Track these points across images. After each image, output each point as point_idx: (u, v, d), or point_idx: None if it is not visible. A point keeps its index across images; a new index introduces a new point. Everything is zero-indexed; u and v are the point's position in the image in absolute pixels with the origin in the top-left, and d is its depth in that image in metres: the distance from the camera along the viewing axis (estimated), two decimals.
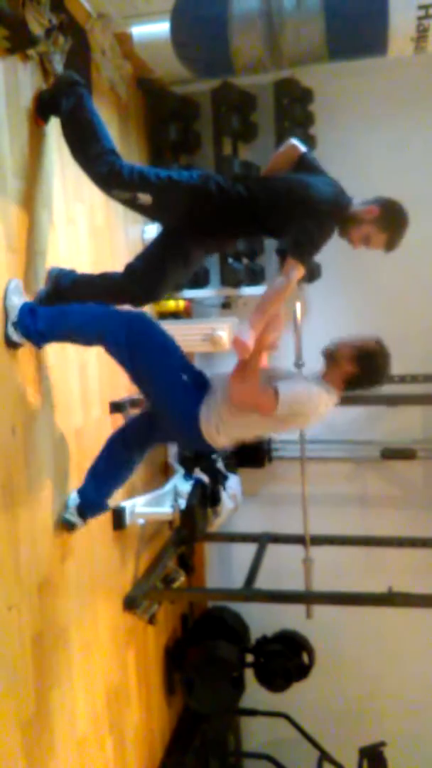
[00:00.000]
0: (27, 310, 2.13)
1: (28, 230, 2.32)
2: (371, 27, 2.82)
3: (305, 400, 2.10)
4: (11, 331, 2.11)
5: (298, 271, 2.15)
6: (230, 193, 2.25)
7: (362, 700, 4.21)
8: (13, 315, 2.11)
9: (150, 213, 2.41)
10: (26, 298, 2.20)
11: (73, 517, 2.44)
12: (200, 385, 2.26)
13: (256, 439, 2.31)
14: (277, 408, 2.05)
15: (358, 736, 3.73)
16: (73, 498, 2.47)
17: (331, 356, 2.20)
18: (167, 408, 2.27)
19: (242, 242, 3.63)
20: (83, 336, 2.26)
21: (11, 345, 2.13)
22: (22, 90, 2.30)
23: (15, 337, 2.12)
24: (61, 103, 2.32)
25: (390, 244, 2.24)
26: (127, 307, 2.41)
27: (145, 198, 2.24)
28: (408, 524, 3.74)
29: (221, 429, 2.16)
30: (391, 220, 2.20)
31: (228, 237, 2.56)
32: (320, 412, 2.15)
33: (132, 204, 2.31)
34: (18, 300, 2.14)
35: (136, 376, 2.26)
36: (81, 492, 2.47)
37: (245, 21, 2.85)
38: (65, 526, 2.44)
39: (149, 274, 2.40)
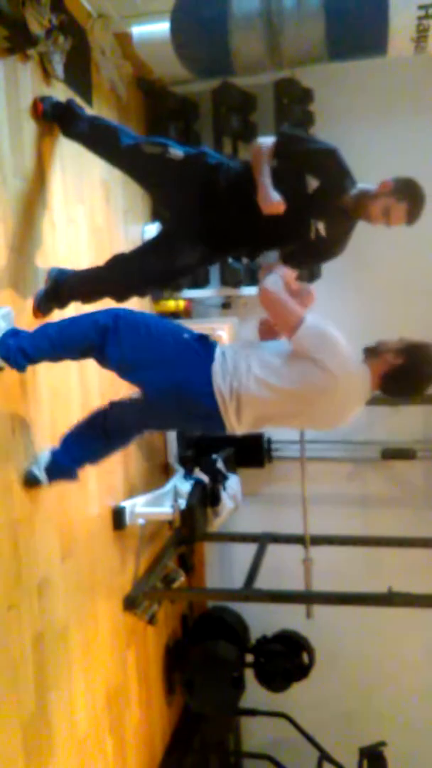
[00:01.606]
0: (10, 332, 2.08)
1: (28, 230, 2.32)
2: (371, 27, 2.82)
3: (333, 342, 1.90)
4: None
5: (267, 146, 2.18)
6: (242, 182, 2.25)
7: (362, 700, 4.21)
8: None
9: (169, 175, 2.31)
10: (14, 327, 2.14)
11: (38, 471, 2.23)
12: (206, 345, 2.07)
13: (273, 422, 2.07)
14: (301, 328, 1.87)
15: (358, 736, 3.73)
16: (45, 455, 2.28)
17: (373, 350, 2.02)
18: (172, 378, 2.00)
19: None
20: (69, 344, 2.13)
21: None
22: (22, 90, 2.30)
23: None
24: (77, 126, 2.42)
25: (411, 214, 2.18)
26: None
27: (175, 153, 2.25)
28: (408, 524, 3.74)
29: (241, 390, 1.92)
30: (407, 189, 2.19)
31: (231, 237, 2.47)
32: (349, 380, 1.91)
33: (158, 158, 2.28)
34: (5, 325, 2.09)
35: (133, 360, 2.05)
36: (54, 453, 2.27)
37: (245, 21, 2.86)
38: (28, 479, 2.22)
39: (130, 261, 2.43)
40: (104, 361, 2.10)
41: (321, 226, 2.22)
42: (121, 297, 2.50)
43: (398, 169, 3.72)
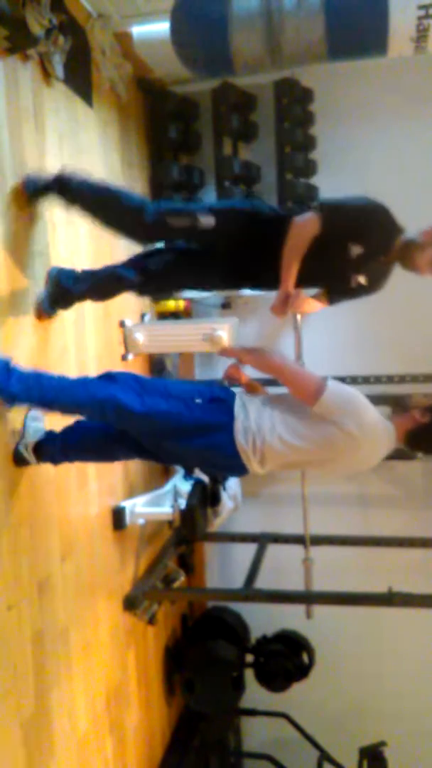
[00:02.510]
0: (3, 366, 2.01)
1: (28, 230, 2.32)
2: (371, 27, 2.82)
3: (355, 406, 1.89)
4: None
5: (314, 221, 2.08)
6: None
7: (362, 700, 4.21)
8: None
9: (204, 238, 2.27)
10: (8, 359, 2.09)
11: (26, 451, 2.17)
12: (222, 404, 2.02)
13: (297, 468, 2.16)
14: (322, 397, 1.85)
15: (358, 736, 3.73)
16: (34, 432, 2.22)
17: (401, 404, 2.05)
18: (192, 444, 1.98)
19: None
20: (62, 403, 2.05)
21: None
22: (22, 90, 2.30)
23: None
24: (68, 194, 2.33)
25: None
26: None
27: (207, 221, 2.18)
28: (408, 524, 3.75)
29: (265, 447, 1.92)
30: None
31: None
32: (372, 437, 1.91)
33: (189, 230, 2.22)
34: None
35: (143, 428, 2.03)
36: (50, 440, 2.21)
37: (245, 21, 2.85)
38: (16, 457, 2.17)
39: (162, 271, 2.38)
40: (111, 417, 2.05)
41: (362, 278, 2.21)
42: (138, 294, 2.52)
43: (398, 169, 3.75)
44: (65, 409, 2.07)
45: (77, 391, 2.04)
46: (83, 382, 2.09)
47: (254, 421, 1.94)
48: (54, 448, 2.20)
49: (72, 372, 2.66)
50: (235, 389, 2.09)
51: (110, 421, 2.04)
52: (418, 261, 2.11)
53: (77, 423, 2.24)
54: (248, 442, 1.92)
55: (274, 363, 1.99)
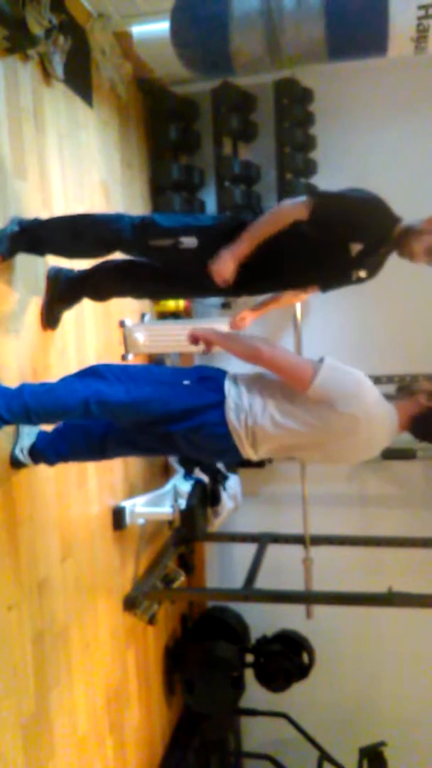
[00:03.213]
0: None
1: None
2: (371, 27, 2.82)
3: (353, 387, 1.78)
4: None
5: (302, 205, 1.98)
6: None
7: (362, 700, 4.21)
8: None
9: (188, 258, 2.13)
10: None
11: (21, 454, 2.16)
12: (212, 383, 1.94)
13: (291, 453, 1.96)
14: (315, 382, 1.75)
15: (358, 736, 3.73)
16: (28, 436, 2.18)
17: (407, 389, 1.94)
18: (182, 426, 1.90)
19: None
20: (47, 409, 1.95)
21: None
22: (22, 90, 2.30)
23: None
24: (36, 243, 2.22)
25: None
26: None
27: (189, 242, 2.09)
28: (408, 524, 3.74)
29: (257, 427, 1.83)
30: None
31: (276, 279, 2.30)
32: (372, 419, 1.80)
33: (170, 251, 2.12)
34: None
35: (131, 418, 1.94)
36: (42, 441, 2.17)
37: (245, 21, 2.85)
38: (12, 461, 2.16)
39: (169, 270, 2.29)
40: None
41: (363, 273, 2.17)
42: (138, 297, 2.49)
43: (398, 169, 3.75)
44: (51, 414, 1.97)
45: (59, 392, 1.95)
46: (64, 382, 2.00)
47: (246, 399, 1.85)
48: (47, 450, 2.17)
49: (72, 370, 2.65)
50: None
51: (98, 417, 1.94)
52: (414, 248, 2.05)
53: (65, 423, 2.20)
54: (240, 422, 1.83)
55: (252, 348, 1.85)
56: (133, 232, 2.16)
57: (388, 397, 1.92)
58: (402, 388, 1.98)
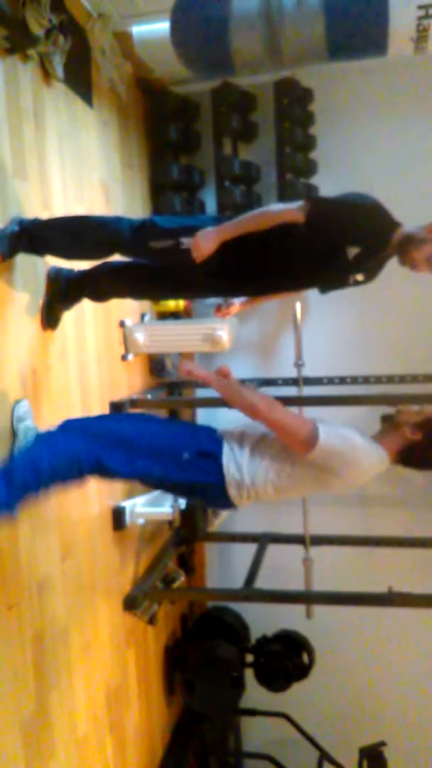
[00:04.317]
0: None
1: None
2: (371, 27, 2.82)
3: (351, 451, 1.80)
4: None
5: (298, 209, 1.97)
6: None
7: (362, 700, 4.21)
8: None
9: (188, 258, 2.08)
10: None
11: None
12: (210, 456, 1.91)
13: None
14: (317, 447, 1.76)
15: (358, 736, 3.73)
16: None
17: (391, 420, 1.95)
18: (183, 486, 1.97)
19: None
20: (35, 476, 1.79)
21: None
22: (22, 90, 2.30)
23: None
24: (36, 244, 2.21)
25: None
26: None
27: (189, 242, 2.06)
28: (408, 524, 3.74)
29: (259, 492, 1.89)
30: None
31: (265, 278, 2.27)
32: (368, 471, 1.86)
33: (171, 251, 2.11)
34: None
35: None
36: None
37: (245, 21, 2.85)
38: None
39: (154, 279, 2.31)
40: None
41: (360, 276, 2.17)
42: (138, 298, 2.47)
43: (398, 169, 3.74)
44: (42, 481, 1.80)
45: (43, 453, 1.81)
46: (49, 444, 1.85)
47: (247, 473, 1.88)
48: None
49: (72, 370, 2.66)
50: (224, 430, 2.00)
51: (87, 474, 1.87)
52: (414, 256, 2.03)
53: (62, 426, 2.19)
54: (241, 494, 1.91)
55: (250, 405, 1.84)
56: (132, 233, 2.16)
57: (375, 433, 1.95)
58: (386, 418, 1.98)
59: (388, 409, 2.04)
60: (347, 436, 1.82)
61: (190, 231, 2.09)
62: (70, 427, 1.91)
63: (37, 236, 2.20)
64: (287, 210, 2.01)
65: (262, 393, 1.93)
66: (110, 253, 2.29)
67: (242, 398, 1.88)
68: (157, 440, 1.91)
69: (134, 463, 1.86)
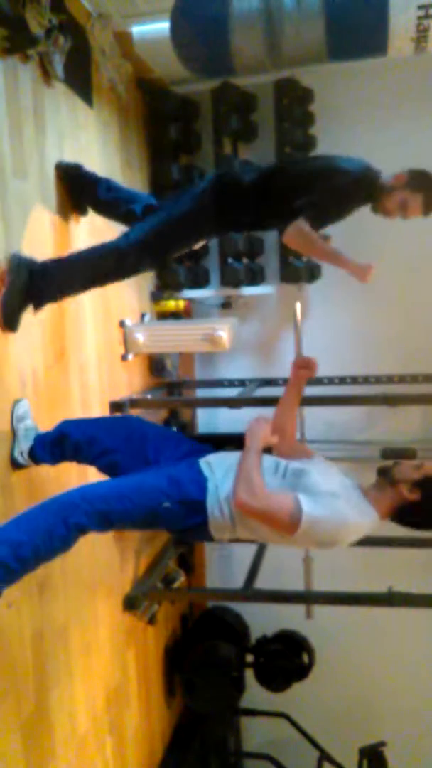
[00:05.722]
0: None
1: (28, 230, 2.31)
2: (371, 27, 2.82)
3: (333, 530, 1.71)
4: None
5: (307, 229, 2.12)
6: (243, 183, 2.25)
7: (362, 700, 4.21)
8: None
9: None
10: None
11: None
12: (193, 504, 1.84)
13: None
14: (297, 531, 1.67)
15: (358, 736, 3.73)
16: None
17: (387, 474, 1.87)
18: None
19: (242, 242, 3.63)
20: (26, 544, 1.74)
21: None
22: (22, 90, 2.30)
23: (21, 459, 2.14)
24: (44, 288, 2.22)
25: (428, 205, 2.21)
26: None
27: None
28: None
29: (241, 533, 1.85)
30: (421, 180, 2.21)
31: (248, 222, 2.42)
32: (350, 540, 1.79)
33: (172, 243, 2.33)
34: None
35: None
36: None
37: (245, 21, 2.86)
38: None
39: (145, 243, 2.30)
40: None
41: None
42: (123, 277, 2.43)
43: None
44: (35, 549, 1.74)
45: (22, 537, 1.74)
46: (36, 515, 1.81)
47: (229, 517, 1.82)
48: (46, 456, 2.19)
49: (72, 370, 2.66)
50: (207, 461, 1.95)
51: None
52: (386, 204, 2.21)
53: (60, 427, 2.22)
54: (224, 535, 1.87)
55: (235, 484, 1.77)
56: (132, 249, 2.26)
57: (369, 487, 1.90)
58: (383, 471, 1.90)
59: (385, 462, 1.99)
60: (332, 508, 1.72)
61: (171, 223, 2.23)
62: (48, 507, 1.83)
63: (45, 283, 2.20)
64: (308, 237, 2.14)
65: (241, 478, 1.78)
66: (119, 269, 2.34)
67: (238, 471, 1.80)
68: (129, 489, 1.84)
69: (113, 525, 1.86)
